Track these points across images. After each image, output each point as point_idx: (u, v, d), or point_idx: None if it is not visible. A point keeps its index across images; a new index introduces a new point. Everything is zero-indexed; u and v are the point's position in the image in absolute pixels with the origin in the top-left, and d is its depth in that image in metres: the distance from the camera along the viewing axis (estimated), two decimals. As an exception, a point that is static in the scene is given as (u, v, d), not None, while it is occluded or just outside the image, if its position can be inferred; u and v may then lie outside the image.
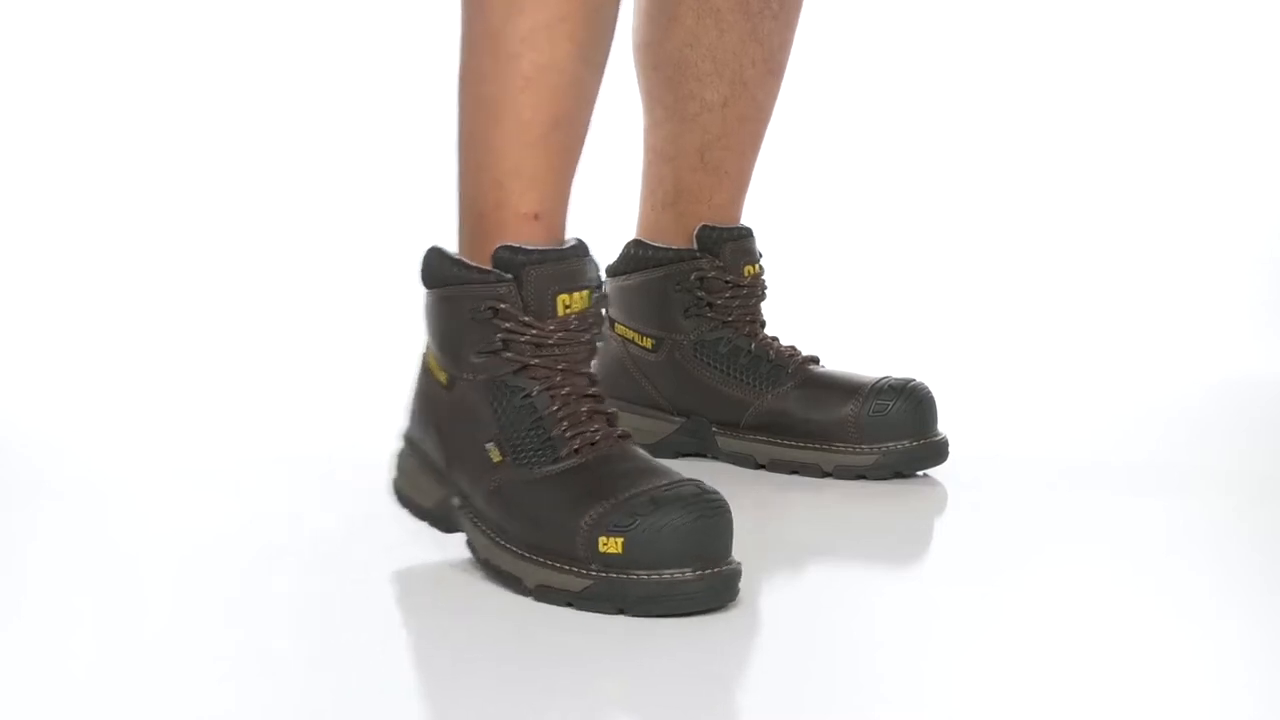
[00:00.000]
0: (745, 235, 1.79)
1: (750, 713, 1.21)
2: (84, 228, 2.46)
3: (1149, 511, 1.66)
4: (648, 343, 1.80)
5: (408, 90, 2.50)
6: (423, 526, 1.48)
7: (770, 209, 1.91)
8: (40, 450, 1.86)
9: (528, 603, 1.36)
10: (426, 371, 1.46)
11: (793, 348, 1.79)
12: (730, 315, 1.77)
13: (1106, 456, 1.87)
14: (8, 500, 1.69)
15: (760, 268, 1.79)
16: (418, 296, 1.45)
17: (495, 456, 1.40)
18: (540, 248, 1.40)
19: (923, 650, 1.30)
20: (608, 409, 1.42)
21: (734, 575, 1.36)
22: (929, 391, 1.74)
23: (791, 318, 1.88)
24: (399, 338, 1.71)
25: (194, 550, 1.52)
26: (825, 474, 1.73)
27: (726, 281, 1.77)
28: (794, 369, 1.76)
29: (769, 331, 1.81)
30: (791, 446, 1.75)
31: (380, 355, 2.03)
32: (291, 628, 1.34)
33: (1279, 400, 2.12)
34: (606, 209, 1.78)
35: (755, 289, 1.79)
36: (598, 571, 1.34)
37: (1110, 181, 2.56)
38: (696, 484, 1.36)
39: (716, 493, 1.36)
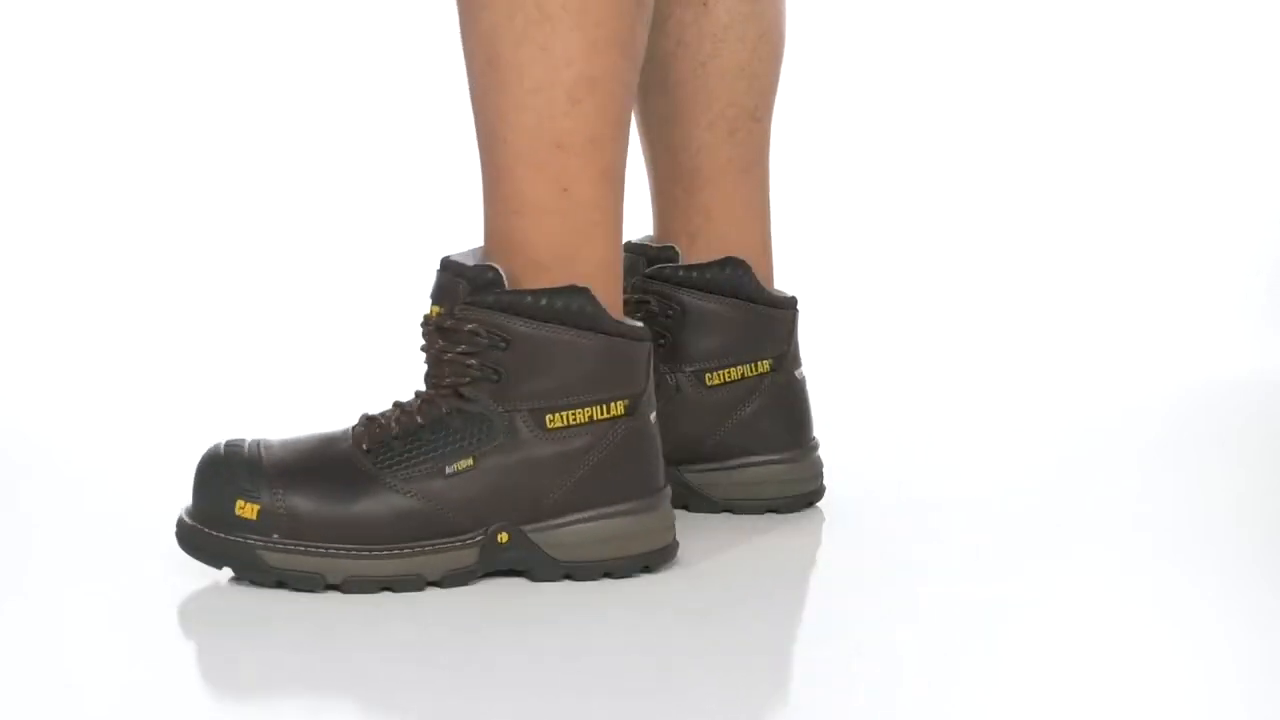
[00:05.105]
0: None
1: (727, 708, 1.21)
2: (84, 228, 2.46)
3: (1146, 511, 1.66)
4: None
5: (406, 92, 2.50)
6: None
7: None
8: (40, 450, 1.86)
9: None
10: None
11: None
12: None
13: (1104, 455, 1.87)
14: (8, 500, 1.69)
15: None
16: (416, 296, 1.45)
17: None
18: None
19: (918, 649, 1.30)
20: None
21: None
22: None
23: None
24: (398, 338, 1.71)
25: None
26: None
27: None
28: None
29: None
30: None
31: (380, 355, 2.03)
32: (292, 627, 1.34)
33: (1279, 400, 2.12)
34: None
35: None
36: None
37: (1109, 181, 2.55)
38: None
39: None
